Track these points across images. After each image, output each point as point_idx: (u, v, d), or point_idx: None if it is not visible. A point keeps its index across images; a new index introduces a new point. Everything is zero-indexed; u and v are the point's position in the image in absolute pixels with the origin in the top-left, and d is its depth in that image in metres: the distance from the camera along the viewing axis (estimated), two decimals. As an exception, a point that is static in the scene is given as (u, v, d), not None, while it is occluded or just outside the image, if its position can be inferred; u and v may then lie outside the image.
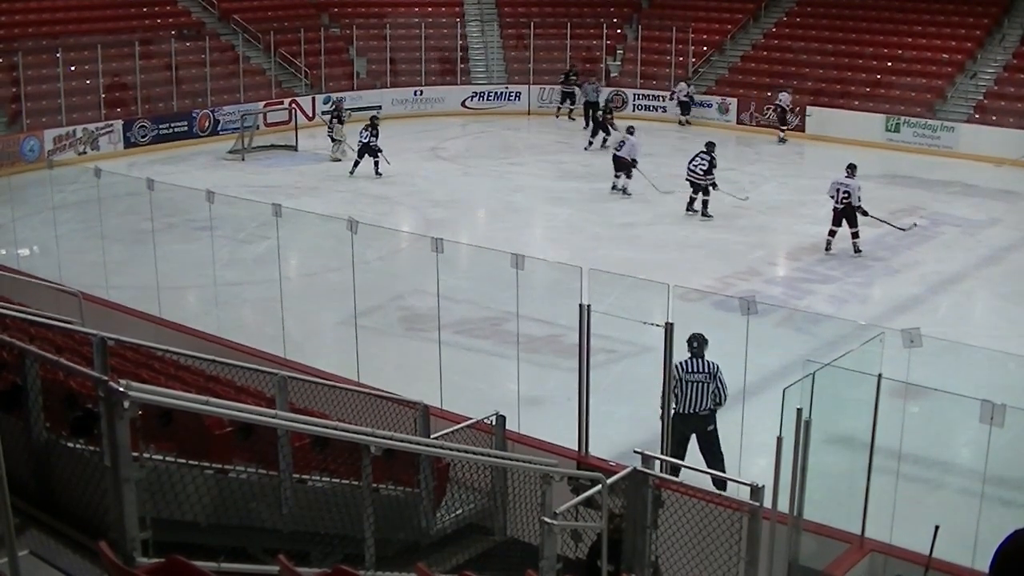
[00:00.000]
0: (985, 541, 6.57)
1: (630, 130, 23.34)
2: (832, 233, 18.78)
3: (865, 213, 18.65)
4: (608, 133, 27.60)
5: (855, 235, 18.63)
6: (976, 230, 20.78)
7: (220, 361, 8.83)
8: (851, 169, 18.91)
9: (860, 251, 18.61)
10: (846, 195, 18.47)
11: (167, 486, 5.42)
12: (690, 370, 10.55)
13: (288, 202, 15.49)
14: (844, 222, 18.65)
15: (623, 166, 22.65)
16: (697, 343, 10.68)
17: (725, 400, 10.65)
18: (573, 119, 31.47)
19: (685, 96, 31.07)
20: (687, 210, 21.17)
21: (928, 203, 22.58)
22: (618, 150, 22.97)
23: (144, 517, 4.81)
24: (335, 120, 26.54)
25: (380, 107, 31.21)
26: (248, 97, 29.89)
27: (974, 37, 29.99)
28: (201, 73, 29.56)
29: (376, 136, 24.24)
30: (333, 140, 26.38)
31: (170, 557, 4.33)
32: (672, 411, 10.19)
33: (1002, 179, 24.88)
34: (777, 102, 29.42)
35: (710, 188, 20.85)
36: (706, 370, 10.57)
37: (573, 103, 31.73)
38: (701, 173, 20.79)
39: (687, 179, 21.04)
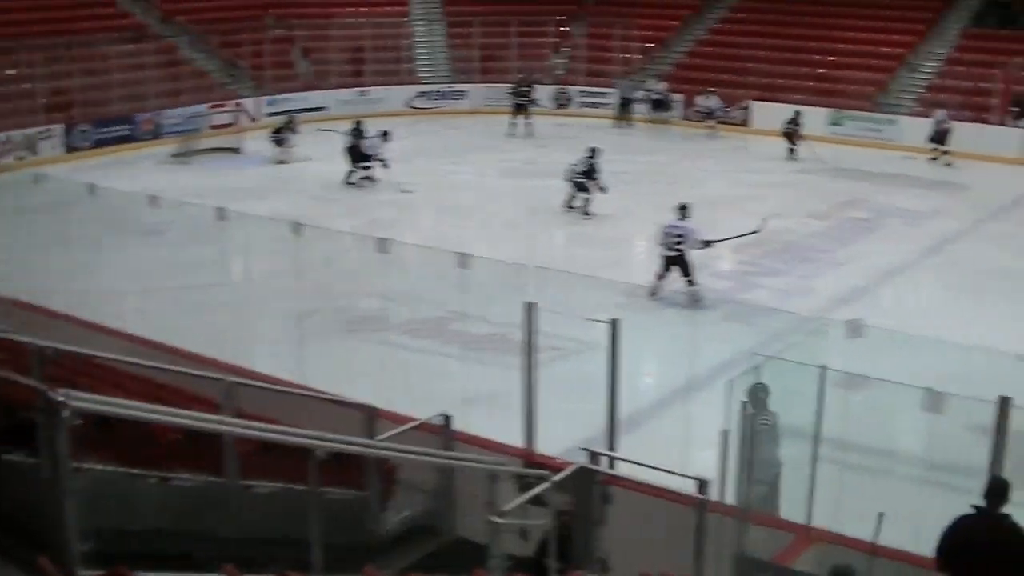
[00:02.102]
0: (929, 526, 6.66)
1: (384, 134, 23.28)
2: (660, 277, 15.67)
3: (714, 242, 16.30)
4: (795, 144, 26.45)
5: (691, 283, 15.58)
6: (919, 221, 21.05)
7: (164, 368, 8.76)
8: (683, 210, 16.02)
9: (702, 297, 15.51)
10: (679, 239, 15.60)
11: (110, 496, 5.37)
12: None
13: (233, 205, 15.36)
14: (676, 268, 15.71)
15: (358, 158, 23.29)
16: (763, 393, 8.98)
17: None
18: (631, 123, 30.94)
19: (658, 95, 30.96)
20: (566, 207, 21.13)
21: (872, 195, 22.88)
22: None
23: (87, 528, 4.75)
24: (288, 130, 26.33)
25: (326, 107, 31.10)
26: (192, 99, 29.57)
27: (916, 31, 30.41)
28: (144, 76, 29.19)
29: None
30: (278, 145, 26.17)
31: (113, 569, 4.29)
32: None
33: (944, 171, 25.30)
34: (702, 105, 29.89)
35: (594, 189, 20.66)
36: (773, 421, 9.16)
37: (527, 116, 29.92)
38: (579, 173, 20.78)
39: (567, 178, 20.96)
